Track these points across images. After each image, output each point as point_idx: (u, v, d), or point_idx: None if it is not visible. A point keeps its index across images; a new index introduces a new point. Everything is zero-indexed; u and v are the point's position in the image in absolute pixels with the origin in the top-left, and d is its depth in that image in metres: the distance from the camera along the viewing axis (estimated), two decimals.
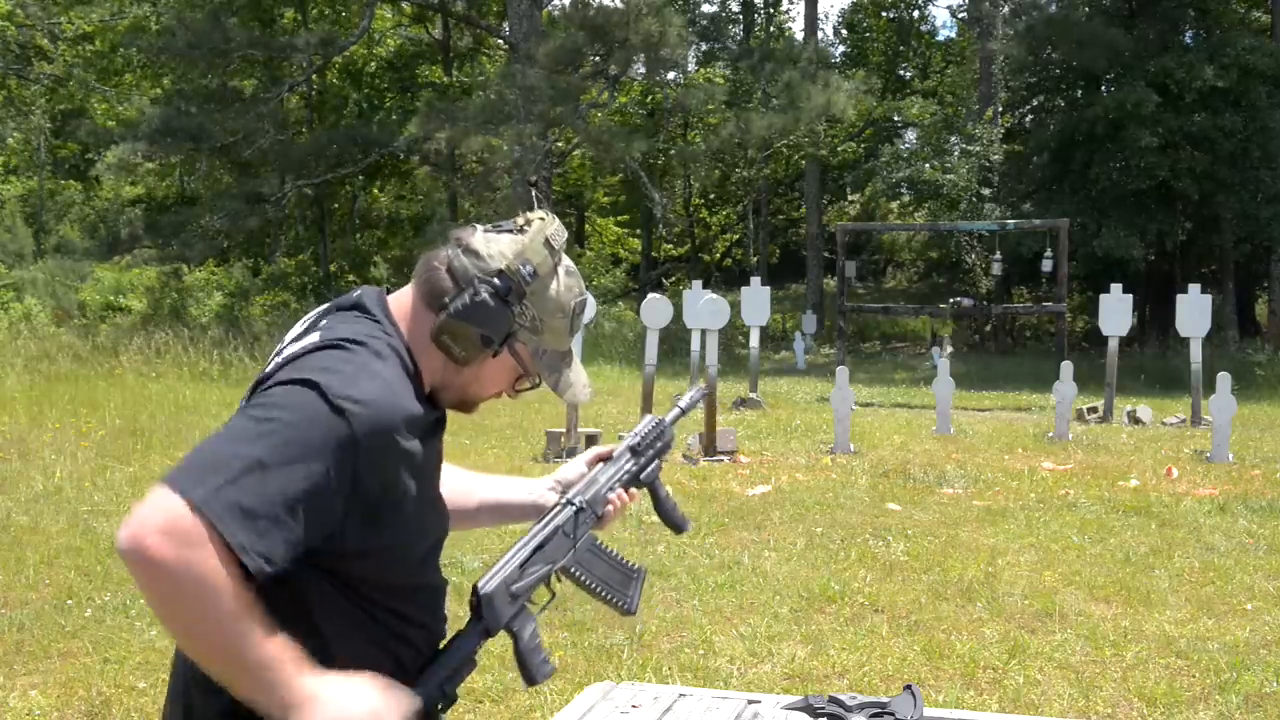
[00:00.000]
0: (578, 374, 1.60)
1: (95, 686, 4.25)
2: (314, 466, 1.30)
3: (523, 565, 1.54)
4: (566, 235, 1.55)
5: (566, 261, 1.54)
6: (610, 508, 1.70)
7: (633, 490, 1.75)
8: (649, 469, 1.77)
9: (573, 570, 1.62)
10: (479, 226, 1.53)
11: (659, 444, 1.78)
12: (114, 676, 4.35)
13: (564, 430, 9.96)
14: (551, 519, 1.62)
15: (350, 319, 1.48)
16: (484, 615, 1.49)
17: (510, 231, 1.51)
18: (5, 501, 7.60)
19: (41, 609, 5.24)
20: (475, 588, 1.50)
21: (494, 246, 1.49)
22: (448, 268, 1.48)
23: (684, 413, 1.83)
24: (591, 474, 1.72)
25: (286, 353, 1.45)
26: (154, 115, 22.53)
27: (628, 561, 1.72)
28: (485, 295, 1.46)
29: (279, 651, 1.30)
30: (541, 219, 1.53)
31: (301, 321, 1.54)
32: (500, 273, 1.47)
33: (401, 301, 1.53)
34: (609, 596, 1.68)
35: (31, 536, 6.66)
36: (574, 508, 1.63)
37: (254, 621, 1.28)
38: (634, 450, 1.75)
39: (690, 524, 1.94)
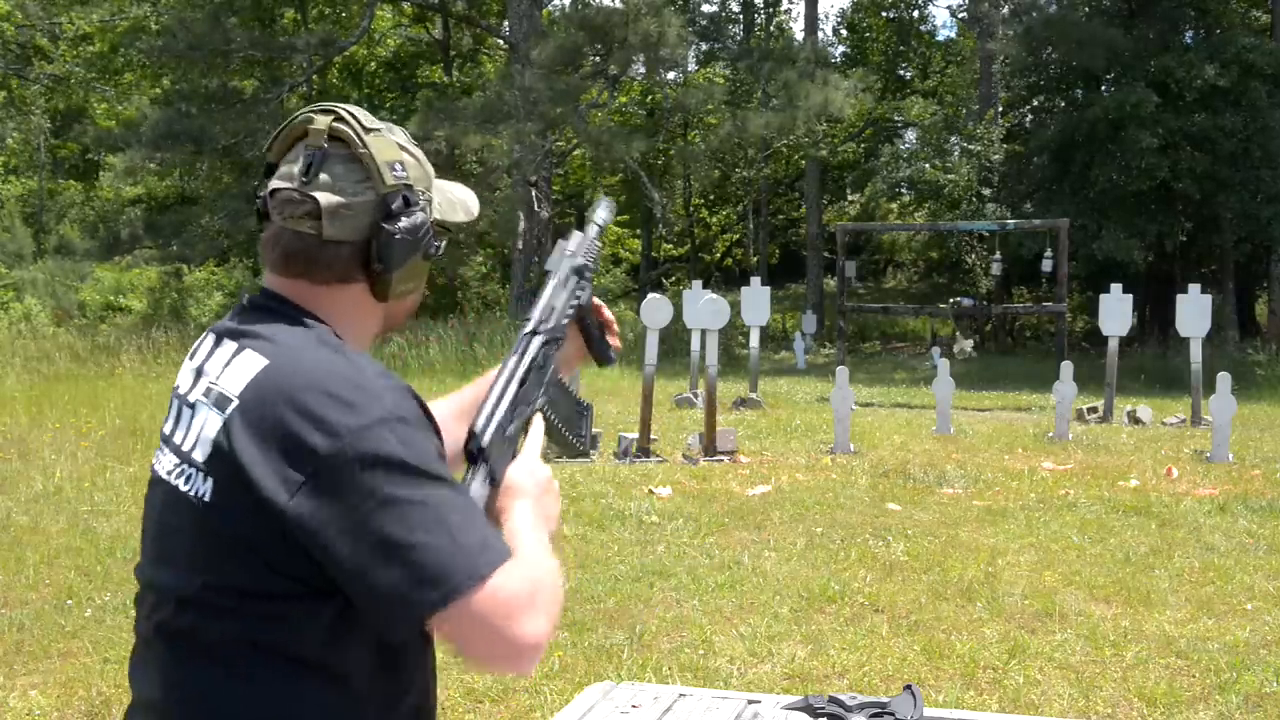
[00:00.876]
0: (454, 190, 1.50)
1: (95, 686, 4.25)
2: (435, 471, 1.25)
3: (512, 407, 1.44)
4: (366, 113, 1.42)
5: (382, 129, 1.39)
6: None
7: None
8: (585, 294, 1.67)
9: (545, 411, 1.54)
10: (315, 194, 1.33)
11: (594, 264, 1.71)
12: (114, 676, 4.34)
13: None
14: (525, 351, 1.51)
15: (282, 327, 1.35)
16: (488, 461, 1.38)
17: (341, 160, 1.34)
18: (5, 501, 7.61)
19: (41, 609, 5.24)
20: (473, 432, 1.38)
21: (350, 184, 1.34)
22: (340, 239, 1.34)
23: (601, 230, 1.78)
24: (546, 299, 1.58)
25: (224, 391, 1.34)
26: (155, 119, 22.53)
27: (580, 398, 1.67)
28: (402, 224, 1.35)
29: (527, 547, 1.30)
30: (340, 118, 1.37)
31: (204, 353, 1.42)
32: (384, 197, 1.34)
33: (300, 292, 1.37)
34: (570, 437, 1.62)
35: (31, 536, 6.67)
36: (542, 338, 1.53)
37: (532, 559, 1.28)
38: (579, 273, 1.65)
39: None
